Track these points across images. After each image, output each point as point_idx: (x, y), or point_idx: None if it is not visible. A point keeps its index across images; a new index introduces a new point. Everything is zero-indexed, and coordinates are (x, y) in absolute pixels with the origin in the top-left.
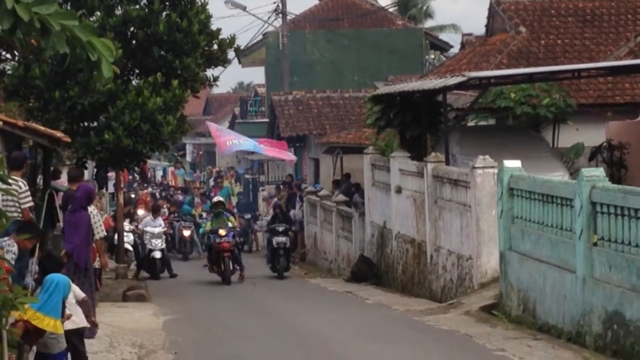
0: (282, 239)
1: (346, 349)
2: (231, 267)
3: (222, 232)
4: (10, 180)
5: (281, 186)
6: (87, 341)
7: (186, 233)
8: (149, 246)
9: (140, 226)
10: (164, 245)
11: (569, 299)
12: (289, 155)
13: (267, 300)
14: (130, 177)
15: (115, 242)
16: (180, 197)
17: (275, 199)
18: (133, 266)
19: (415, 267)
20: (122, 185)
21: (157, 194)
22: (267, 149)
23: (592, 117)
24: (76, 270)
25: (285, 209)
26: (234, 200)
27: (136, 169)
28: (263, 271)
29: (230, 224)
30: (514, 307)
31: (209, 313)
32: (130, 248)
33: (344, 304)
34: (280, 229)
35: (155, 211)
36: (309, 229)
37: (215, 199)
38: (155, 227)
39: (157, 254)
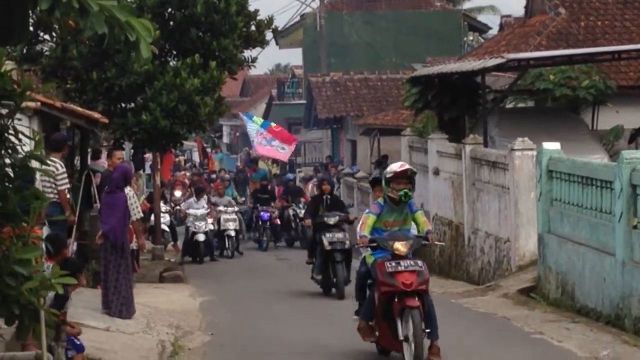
0: (337, 235)
1: None
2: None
3: (400, 247)
4: (48, 162)
5: (318, 167)
6: (123, 322)
7: None
8: (192, 229)
9: (182, 208)
10: (207, 228)
11: (608, 282)
12: (283, 152)
13: (304, 282)
14: (178, 159)
15: (152, 223)
16: (227, 176)
17: (320, 174)
18: (170, 247)
19: (453, 249)
20: (169, 168)
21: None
22: (260, 148)
23: (632, 99)
24: (113, 251)
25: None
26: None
27: (177, 152)
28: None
29: (415, 230)
30: (553, 290)
31: (245, 295)
32: (167, 229)
33: None
34: (332, 220)
35: (198, 193)
36: None
37: (395, 168)
38: (198, 209)
39: (201, 237)
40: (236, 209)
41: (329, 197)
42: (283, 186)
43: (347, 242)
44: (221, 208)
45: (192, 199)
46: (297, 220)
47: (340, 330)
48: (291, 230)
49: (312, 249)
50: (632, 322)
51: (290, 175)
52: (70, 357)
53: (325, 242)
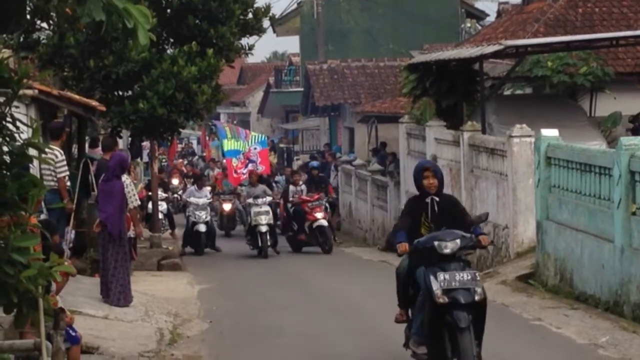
0: (460, 276)
1: (381, 318)
2: None
3: None
4: (46, 149)
5: (316, 155)
6: (121, 310)
7: (226, 207)
8: (192, 219)
9: (184, 197)
10: (208, 218)
11: (606, 268)
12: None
13: (302, 270)
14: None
15: (149, 211)
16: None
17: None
18: (167, 234)
19: None
20: (173, 156)
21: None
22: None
23: (630, 85)
24: (110, 239)
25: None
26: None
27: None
28: None
29: None
30: (551, 277)
31: (243, 282)
32: (163, 217)
33: (379, 273)
34: (448, 246)
35: (199, 181)
36: (344, 198)
37: None
38: (200, 197)
39: (202, 227)
40: (268, 199)
41: (436, 200)
42: (307, 175)
43: (479, 290)
44: (250, 200)
45: (193, 188)
46: None
47: (340, 317)
48: None
49: (407, 295)
50: (630, 308)
51: (314, 163)
52: (66, 348)
53: (437, 288)
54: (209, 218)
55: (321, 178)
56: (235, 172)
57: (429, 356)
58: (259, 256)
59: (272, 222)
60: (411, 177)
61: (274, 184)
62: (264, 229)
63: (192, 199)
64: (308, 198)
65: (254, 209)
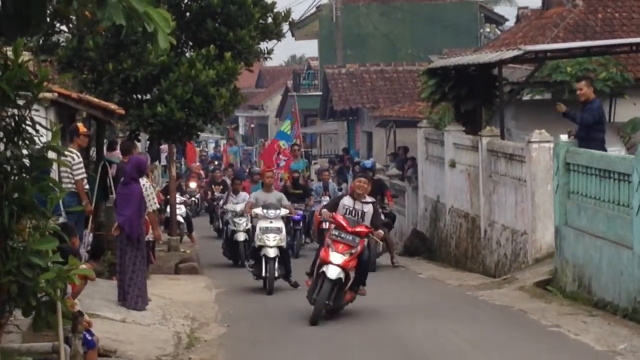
0: None
1: (400, 323)
2: None
3: None
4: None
5: (335, 159)
6: (139, 313)
7: None
8: (232, 227)
9: (222, 206)
10: (249, 226)
11: (625, 275)
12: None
13: None
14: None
15: (168, 215)
16: (257, 169)
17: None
18: (187, 238)
19: (469, 242)
20: (194, 161)
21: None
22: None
23: None
24: (129, 242)
25: (337, 182)
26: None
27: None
28: None
29: None
30: (569, 283)
31: (261, 287)
32: (182, 221)
33: (397, 278)
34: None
35: (226, 187)
36: None
37: None
38: (237, 203)
39: (241, 237)
40: (283, 212)
41: None
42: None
43: None
44: (259, 210)
45: (229, 194)
46: None
47: (358, 322)
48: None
49: None
50: None
51: (368, 163)
52: (83, 352)
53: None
54: (250, 226)
55: (378, 183)
56: (279, 154)
57: None
58: (264, 291)
59: (284, 244)
60: (430, 181)
61: (313, 194)
62: (272, 253)
63: (229, 206)
64: (343, 222)
65: (262, 224)
